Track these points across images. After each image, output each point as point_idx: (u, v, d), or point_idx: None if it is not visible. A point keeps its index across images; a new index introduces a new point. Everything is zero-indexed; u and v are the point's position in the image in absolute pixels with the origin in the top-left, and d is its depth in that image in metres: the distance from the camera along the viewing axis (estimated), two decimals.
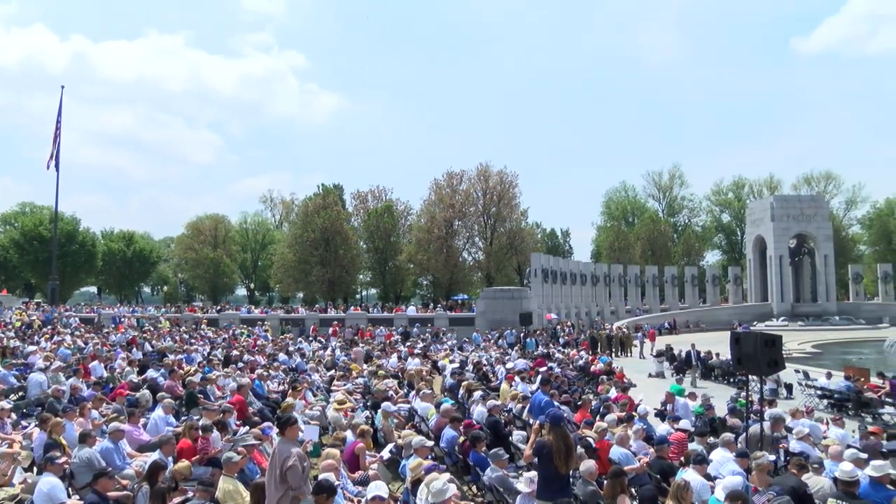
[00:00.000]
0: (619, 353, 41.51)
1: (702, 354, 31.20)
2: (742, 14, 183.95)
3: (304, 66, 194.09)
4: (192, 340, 33.73)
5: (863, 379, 23.58)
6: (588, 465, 9.60)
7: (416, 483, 9.08)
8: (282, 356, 27.47)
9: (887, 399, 21.20)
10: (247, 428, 12.83)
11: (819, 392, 23.52)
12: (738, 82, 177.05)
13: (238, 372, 20.79)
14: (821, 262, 70.01)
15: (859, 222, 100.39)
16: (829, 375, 24.73)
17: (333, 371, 23.84)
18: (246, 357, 25.92)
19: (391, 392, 18.00)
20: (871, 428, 14.16)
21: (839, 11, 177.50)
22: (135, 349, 28.22)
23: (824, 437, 13.98)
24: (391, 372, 23.37)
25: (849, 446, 11.91)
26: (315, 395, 18.27)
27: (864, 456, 10.84)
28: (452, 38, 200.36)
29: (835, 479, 10.08)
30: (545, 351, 33.16)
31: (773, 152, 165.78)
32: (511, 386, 19.29)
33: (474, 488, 11.44)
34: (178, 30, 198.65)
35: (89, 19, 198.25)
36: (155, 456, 10.25)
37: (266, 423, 13.25)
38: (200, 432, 11.43)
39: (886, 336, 51.71)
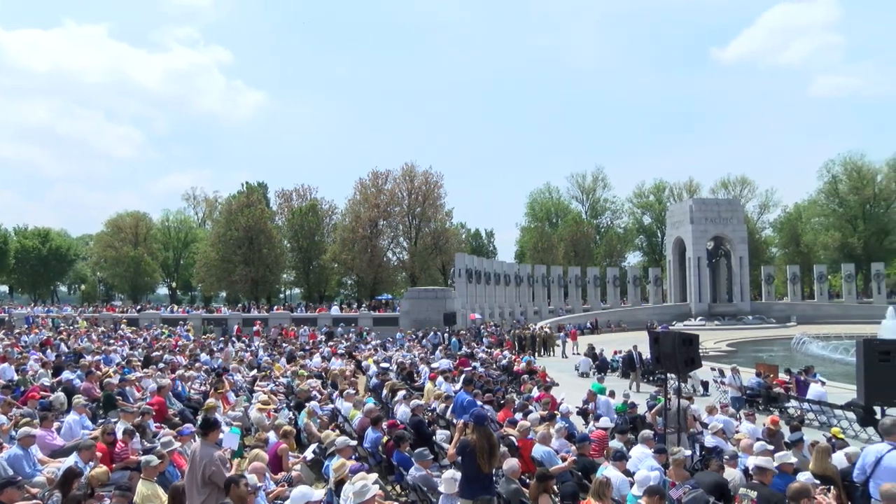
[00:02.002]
0: (542, 353, 41.99)
1: (644, 357, 31.63)
2: (664, 22, 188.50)
3: (230, 62, 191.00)
4: (111, 341, 32.84)
5: (772, 375, 24.62)
6: (511, 463, 9.70)
7: (340, 483, 9.05)
8: (204, 356, 26.98)
9: (793, 394, 22.24)
10: (166, 430, 12.58)
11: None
12: (659, 88, 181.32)
13: (158, 373, 20.32)
14: (736, 263, 72.22)
15: (771, 226, 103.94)
16: (735, 370, 25.62)
17: (256, 371, 23.54)
18: (167, 357, 25.36)
19: (315, 392, 17.88)
20: (769, 419, 14.72)
21: (754, 23, 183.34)
22: (49, 350, 27.27)
23: (737, 432, 14.44)
24: (314, 372, 23.20)
25: (758, 439, 12.36)
26: (238, 396, 18.01)
27: (772, 448, 11.31)
28: (379, 38, 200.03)
29: (745, 470, 10.47)
30: (468, 351, 33.34)
31: (692, 157, 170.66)
32: (435, 385, 19.35)
33: (398, 488, 11.45)
34: (98, 20, 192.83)
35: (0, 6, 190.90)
36: (70, 461, 9.79)
37: (186, 425, 13.00)
38: (119, 436, 11.13)
39: (794, 334, 53.80)
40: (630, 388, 24.93)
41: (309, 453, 11.80)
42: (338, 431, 12.83)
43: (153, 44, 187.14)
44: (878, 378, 11.06)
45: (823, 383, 21.93)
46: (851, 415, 18.87)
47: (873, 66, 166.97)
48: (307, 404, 14.99)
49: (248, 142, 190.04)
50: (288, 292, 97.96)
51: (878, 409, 12.88)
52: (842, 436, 14.56)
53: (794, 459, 10.10)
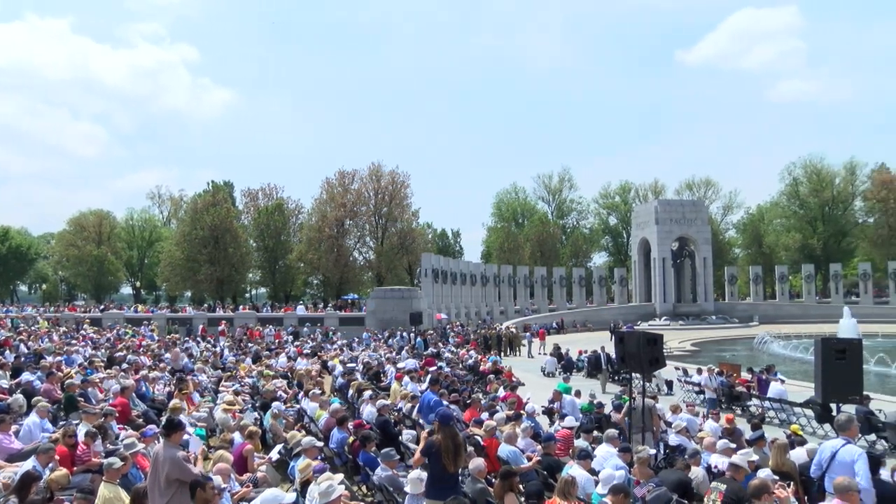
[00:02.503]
0: (508, 353, 42.18)
1: (612, 357, 31.81)
2: (630, 24, 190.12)
3: (197, 59, 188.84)
4: (73, 341, 32.35)
5: (735, 374, 25.02)
6: (477, 463, 9.76)
7: (306, 484, 9.05)
8: (168, 356, 26.72)
9: (754, 392, 22.63)
10: (129, 431, 12.46)
11: (696, 388, 24.74)
12: (626, 89, 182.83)
13: (122, 373, 20.08)
14: (700, 264, 73.15)
15: (734, 227, 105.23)
16: (699, 371, 26.03)
17: (221, 371, 23.39)
18: (130, 358, 25.06)
19: (280, 392, 17.83)
20: (725, 418, 14.96)
21: (717, 28, 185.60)
22: (8, 351, 26.76)
23: (700, 430, 14.66)
24: (280, 372, 23.12)
25: (720, 437, 12.57)
26: (202, 397, 17.89)
27: (734, 446, 11.53)
28: (347, 37, 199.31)
29: (708, 468, 10.66)
30: (435, 350, 33.40)
31: (658, 158, 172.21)
32: (401, 385, 19.38)
33: (364, 488, 11.47)
34: (61, 14, 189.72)
35: None
36: (28, 465, 9.54)
37: (150, 426, 12.88)
38: (81, 438, 10.99)
39: (756, 334, 54.68)
40: (603, 389, 25.10)
41: (274, 454, 11.76)
42: (304, 432, 12.80)
43: (118, 40, 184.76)
44: (834, 376, 11.31)
45: (783, 382, 22.33)
46: (810, 412, 19.27)
47: (832, 71, 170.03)
48: (273, 405, 14.93)
49: (215, 140, 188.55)
50: (254, 292, 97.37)
51: (834, 406, 13.14)
52: (800, 433, 14.86)
53: (755, 457, 10.28)
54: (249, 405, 16.65)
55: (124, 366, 22.65)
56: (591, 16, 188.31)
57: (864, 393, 15.67)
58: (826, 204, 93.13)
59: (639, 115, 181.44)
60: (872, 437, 16.77)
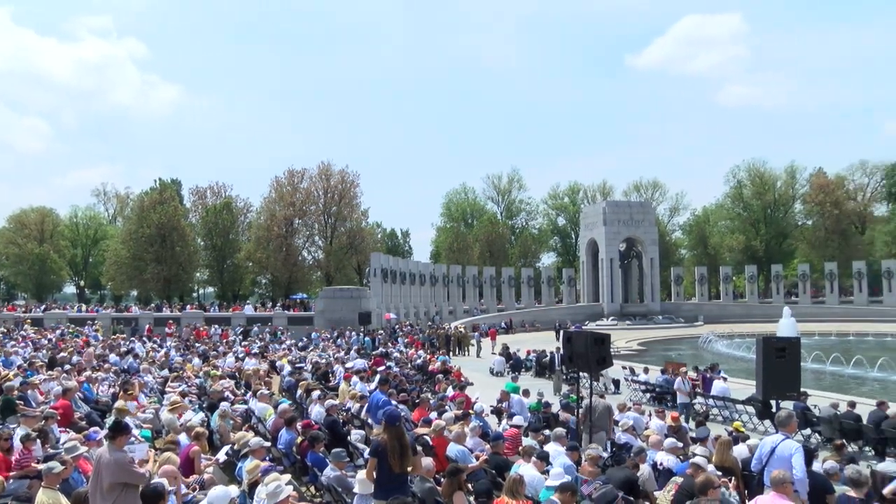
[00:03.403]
0: (457, 353, 42.33)
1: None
2: (580, 28, 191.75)
3: (145, 55, 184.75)
4: (12, 342, 31.60)
5: (680, 373, 25.43)
6: (425, 462, 9.81)
7: (254, 485, 9.00)
8: (113, 357, 26.25)
9: (699, 390, 23.10)
10: (71, 434, 12.22)
11: (643, 387, 25.17)
12: (575, 92, 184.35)
13: (64, 375, 19.65)
14: (647, 264, 74.25)
15: (681, 228, 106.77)
16: (646, 370, 26.51)
17: (167, 372, 23.05)
18: (73, 359, 24.55)
19: (228, 393, 17.66)
20: (670, 416, 15.26)
21: (665, 33, 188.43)
22: None
23: (646, 428, 14.91)
24: (228, 372, 22.89)
25: (666, 435, 12.82)
26: (148, 398, 17.63)
27: (680, 444, 11.77)
28: (296, 36, 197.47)
29: (654, 465, 10.86)
30: (384, 350, 33.38)
31: (606, 160, 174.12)
32: (349, 385, 19.34)
33: (312, 489, 11.44)
34: (1, 4, 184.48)
35: None
36: None
37: (93, 428, 12.64)
38: (19, 442, 10.71)
39: (701, 333, 55.79)
40: (556, 390, 25.25)
41: (222, 455, 11.66)
42: (251, 432, 12.71)
43: (63, 33, 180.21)
44: (774, 374, 11.58)
45: (726, 380, 22.85)
46: (752, 409, 19.77)
47: (774, 77, 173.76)
48: (220, 405, 14.79)
49: (162, 137, 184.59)
50: (201, 291, 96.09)
51: (774, 402, 13.50)
52: (742, 429, 15.25)
53: (700, 453, 10.51)
54: (196, 406, 16.46)
55: (67, 367, 22.18)
56: (542, 18, 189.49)
57: (802, 390, 16.12)
58: (768, 206, 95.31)
59: (588, 117, 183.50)
60: (808, 431, 17.30)
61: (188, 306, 66.06)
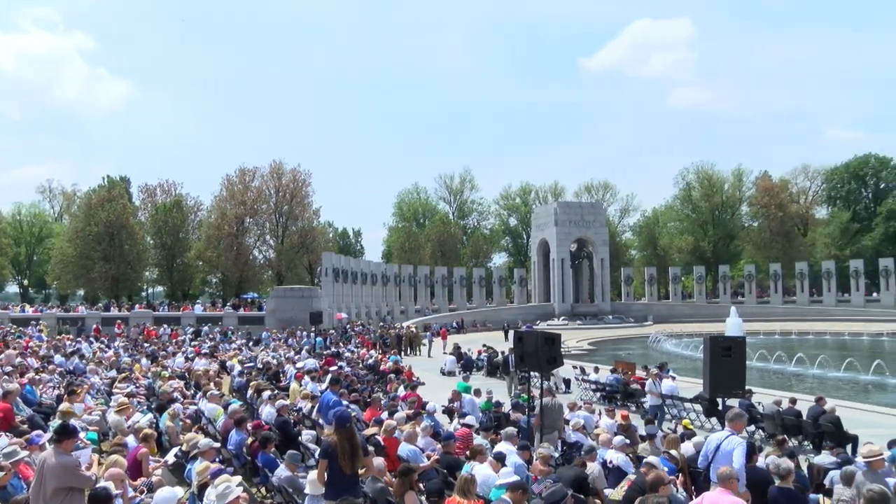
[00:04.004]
0: (408, 352, 42.34)
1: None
2: (535, 29, 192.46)
3: (94, 48, 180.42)
4: None
5: (630, 372, 25.88)
6: (377, 462, 9.81)
7: (203, 487, 8.91)
8: (58, 358, 25.72)
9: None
10: (9, 438, 11.91)
11: (593, 386, 25.46)
12: (528, 93, 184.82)
13: (6, 377, 19.19)
14: (598, 265, 75.09)
15: (631, 229, 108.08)
16: (596, 370, 26.80)
17: (115, 372, 22.67)
18: (17, 360, 23.95)
19: (177, 394, 17.45)
20: (620, 414, 15.49)
21: (617, 37, 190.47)
22: None
23: (596, 427, 15.10)
24: (177, 373, 22.61)
25: (616, 434, 13.01)
26: (95, 399, 17.32)
27: (629, 441, 11.96)
28: (250, 32, 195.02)
29: (604, 463, 11.02)
30: (335, 350, 33.26)
31: (558, 161, 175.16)
32: (300, 385, 19.26)
33: (263, 490, 11.36)
34: None
35: None
36: None
37: (36, 432, 12.36)
38: None
39: (650, 333, 56.61)
40: (511, 390, 25.30)
41: (171, 457, 11.53)
42: (201, 433, 12.58)
43: (7, 24, 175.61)
44: (721, 372, 11.79)
45: (675, 378, 23.20)
46: (699, 407, 20.13)
47: (723, 82, 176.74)
48: (169, 406, 14.60)
49: (111, 134, 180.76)
50: (150, 290, 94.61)
51: (720, 400, 13.78)
52: (690, 426, 15.53)
53: (649, 451, 10.71)
54: (145, 407, 16.24)
55: (8, 368, 21.64)
56: (495, 19, 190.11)
57: (747, 388, 16.48)
58: (716, 208, 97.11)
59: (540, 119, 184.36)
60: (752, 427, 17.69)
61: (137, 306, 65.00)
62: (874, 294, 78.42)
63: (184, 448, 11.39)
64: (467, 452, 11.26)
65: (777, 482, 9.11)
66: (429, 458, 11.55)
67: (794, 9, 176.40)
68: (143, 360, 26.36)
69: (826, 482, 11.16)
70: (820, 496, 10.81)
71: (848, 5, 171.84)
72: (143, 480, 10.27)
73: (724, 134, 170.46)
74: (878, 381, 31.54)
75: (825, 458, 12.34)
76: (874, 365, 33.45)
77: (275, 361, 26.72)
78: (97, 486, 7.86)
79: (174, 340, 38.12)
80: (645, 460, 10.10)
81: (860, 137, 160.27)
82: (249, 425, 12.97)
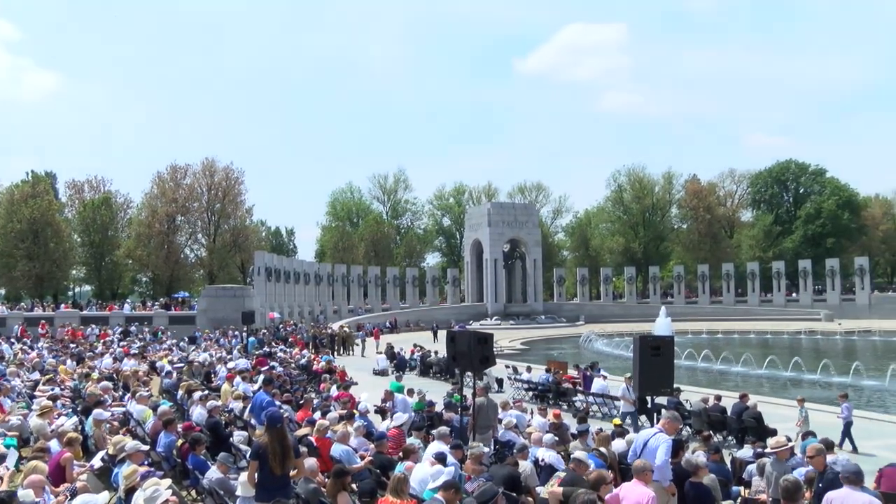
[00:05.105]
0: (341, 352, 42.17)
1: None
2: (470, 30, 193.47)
3: (17, 38, 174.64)
4: None
5: (561, 371, 26.25)
6: (309, 463, 9.77)
7: (131, 491, 8.74)
8: None
9: (580, 388, 23.98)
10: None
11: (525, 385, 25.73)
12: (463, 93, 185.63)
13: None
14: (531, 265, 75.84)
15: (563, 230, 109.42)
16: (529, 369, 27.10)
17: (38, 374, 22.02)
18: None
19: (105, 396, 17.04)
20: (552, 413, 15.71)
21: (550, 40, 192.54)
22: None
23: (528, 426, 15.27)
24: (105, 374, 22.08)
25: (548, 432, 13.18)
26: (15, 402, 16.79)
27: (559, 440, 12.15)
28: (181, 26, 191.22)
29: (536, 462, 11.17)
30: (267, 350, 32.95)
31: (492, 161, 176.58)
32: (232, 386, 19.02)
33: (193, 492, 11.20)
34: None
35: None
36: None
37: None
38: None
39: (582, 332, 57.45)
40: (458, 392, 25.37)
41: (97, 461, 11.24)
42: (129, 436, 12.32)
43: None
44: (649, 371, 12.07)
45: (606, 377, 23.63)
46: None
47: (653, 87, 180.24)
48: (96, 409, 14.26)
49: (36, 127, 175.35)
50: (77, 289, 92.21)
51: (649, 398, 14.11)
52: (620, 424, 15.82)
53: (580, 449, 10.88)
54: (69, 410, 15.82)
55: None
56: (431, 20, 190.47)
57: (675, 386, 16.91)
58: (647, 210, 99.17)
59: (475, 119, 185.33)
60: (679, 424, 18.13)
61: (62, 305, 63.29)
62: (794, 294, 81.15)
63: (110, 451, 11.12)
64: (400, 452, 11.29)
65: (694, 478, 9.39)
66: (362, 458, 11.53)
67: (722, 19, 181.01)
68: (69, 362, 25.64)
69: (744, 475, 11.55)
70: (741, 488, 11.18)
71: (769, 18, 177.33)
72: (66, 486, 10.00)
73: (655, 138, 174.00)
74: (796, 378, 33.05)
75: (746, 451, 12.77)
76: (793, 362, 34.85)
77: (206, 361, 26.32)
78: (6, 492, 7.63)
79: (102, 341, 37.15)
80: (572, 456, 10.25)
81: (782, 143, 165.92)
82: (180, 427, 12.78)
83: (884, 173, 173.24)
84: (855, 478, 7.83)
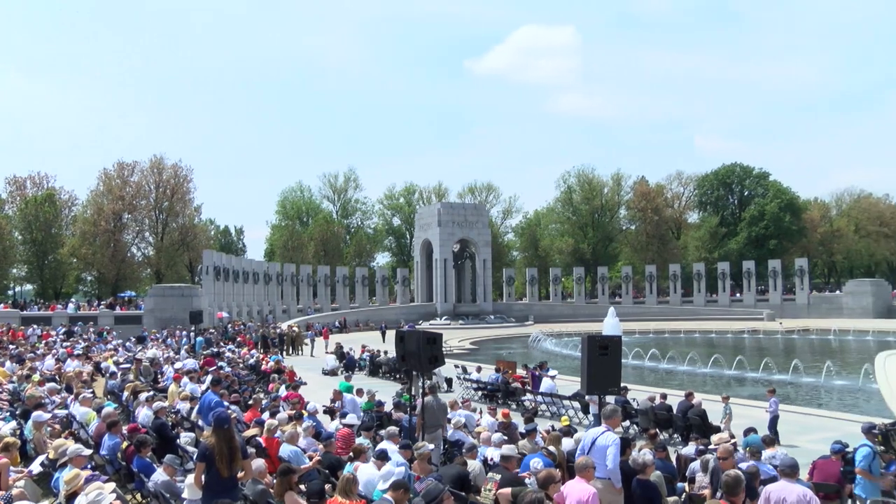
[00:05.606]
0: (290, 352, 41.90)
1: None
2: (421, 31, 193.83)
3: None
4: None
5: (510, 371, 26.44)
6: (257, 464, 9.70)
7: (73, 496, 8.58)
8: None
9: (528, 388, 24.18)
10: None
11: (474, 385, 25.85)
12: (414, 93, 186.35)
13: None
14: (480, 265, 76.18)
15: (513, 230, 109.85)
16: (479, 369, 27.24)
17: None
18: None
19: (47, 398, 16.68)
20: (501, 412, 15.84)
21: (505, 41, 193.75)
22: None
23: (478, 425, 15.36)
24: (47, 375, 21.60)
25: (496, 431, 13.28)
26: None
27: (506, 438, 12.24)
28: (131, 20, 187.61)
29: (485, 461, 11.25)
30: (215, 350, 32.59)
31: (442, 162, 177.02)
32: (179, 386, 18.79)
33: (139, 496, 11.03)
34: None
35: None
36: None
37: None
38: None
39: (531, 332, 57.89)
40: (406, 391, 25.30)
41: (36, 466, 10.99)
42: (71, 439, 12.08)
43: None
44: (597, 370, 12.19)
45: (554, 377, 23.86)
46: (577, 404, 20.76)
47: (603, 89, 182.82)
48: (36, 411, 13.95)
49: None
50: (18, 289, 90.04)
51: (597, 397, 14.28)
52: (568, 423, 15.99)
53: (515, 449, 10.98)
54: (7, 413, 15.44)
55: None
56: (384, 20, 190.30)
57: (623, 385, 17.14)
58: (596, 211, 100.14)
59: (426, 119, 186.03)
60: (627, 423, 18.43)
61: (1, 305, 61.79)
62: (738, 294, 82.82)
63: (51, 456, 10.88)
64: (350, 452, 11.27)
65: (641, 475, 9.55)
66: (311, 458, 11.48)
67: (672, 23, 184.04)
68: (8, 364, 24.99)
69: (688, 472, 11.79)
70: (686, 484, 11.40)
71: (718, 23, 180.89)
72: (1, 494, 9.74)
73: (605, 139, 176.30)
74: (739, 376, 33.86)
75: (691, 448, 13.03)
76: (736, 360, 35.64)
77: (155, 358, 25.95)
78: None
79: (45, 342, 36.35)
80: (500, 454, 10.31)
81: (730, 147, 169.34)
82: (125, 429, 12.56)
83: (822, 177, 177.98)
84: (790, 471, 8.30)
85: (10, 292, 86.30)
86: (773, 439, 13.43)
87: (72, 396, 16.78)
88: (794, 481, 8.15)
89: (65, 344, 34.20)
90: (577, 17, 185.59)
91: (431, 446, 12.15)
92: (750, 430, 13.82)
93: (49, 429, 13.23)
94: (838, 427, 18.13)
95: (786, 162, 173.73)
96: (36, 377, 19.92)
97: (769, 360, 34.44)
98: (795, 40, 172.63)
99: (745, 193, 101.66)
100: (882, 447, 11.19)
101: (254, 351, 34.07)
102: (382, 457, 10.39)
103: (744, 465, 9.96)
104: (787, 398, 26.04)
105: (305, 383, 24.23)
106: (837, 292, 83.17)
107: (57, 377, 21.43)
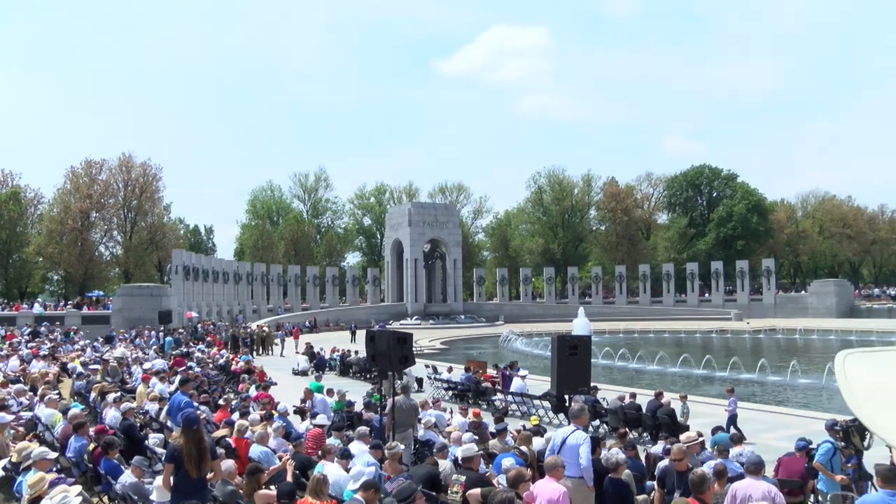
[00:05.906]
0: (261, 352, 41.68)
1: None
2: (391, 30, 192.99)
3: None
4: None
5: (481, 371, 26.52)
6: (227, 465, 9.64)
7: (37, 500, 8.46)
8: None
9: (499, 387, 24.27)
10: None
11: (445, 384, 25.87)
12: (384, 93, 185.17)
13: None
14: (451, 265, 76.25)
15: (483, 231, 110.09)
16: (450, 370, 27.29)
17: None
18: None
19: (12, 400, 16.44)
20: (472, 412, 15.88)
21: (474, 41, 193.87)
22: None
23: (448, 425, 15.38)
24: (11, 377, 21.29)
25: (467, 431, 13.31)
26: None
27: (477, 438, 12.29)
28: (99, 17, 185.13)
29: (455, 461, 11.27)
30: (184, 350, 32.34)
31: (413, 161, 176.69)
32: (148, 387, 18.60)
33: (106, 499, 10.91)
34: None
35: None
36: None
37: None
38: None
39: (501, 332, 58.06)
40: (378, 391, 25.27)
41: None
42: (36, 441, 11.91)
43: None
44: (567, 370, 12.27)
45: (524, 377, 23.94)
46: (548, 404, 20.86)
47: (574, 90, 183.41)
48: None
49: None
50: None
51: (567, 397, 14.37)
52: (538, 423, 16.07)
53: (499, 447, 11.03)
54: None
55: None
56: (353, 19, 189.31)
57: (592, 384, 17.29)
58: (566, 212, 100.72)
59: (396, 119, 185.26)
60: (597, 422, 18.57)
61: None
62: (706, 294, 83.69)
63: (14, 459, 10.70)
64: (319, 452, 11.23)
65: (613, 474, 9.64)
66: (281, 458, 11.43)
67: (641, 25, 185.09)
68: None
69: (657, 471, 11.90)
70: (654, 483, 11.52)
71: (686, 26, 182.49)
72: None
73: (575, 140, 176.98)
74: (708, 375, 34.21)
75: (660, 447, 13.16)
76: (704, 360, 36.00)
77: (123, 357, 25.68)
78: None
79: (9, 342, 35.84)
80: (462, 455, 10.34)
81: (698, 148, 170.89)
82: (91, 430, 12.41)
83: (788, 179, 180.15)
84: (755, 468, 8.54)
85: None
86: (740, 437, 13.63)
87: (37, 398, 16.54)
88: (759, 478, 8.37)
89: (30, 345, 33.73)
90: (548, 18, 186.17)
91: (403, 446, 12.16)
92: (718, 429, 14.01)
93: (12, 431, 13.03)
94: (803, 424, 18.43)
95: (753, 164, 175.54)
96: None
97: (737, 359, 34.86)
98: (759, 44, 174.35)
99: (714, 195, 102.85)
100: (843, 443, 11.40)
101: (223, 351, 33.82)
102: (345, 455, 10.39)
103: (712, 464, 10.08)
104: (753, 396, 26.40)
105: (276, 383, 24.12)
106: (803, 292, 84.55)
107: (21, 378, 21.13)
